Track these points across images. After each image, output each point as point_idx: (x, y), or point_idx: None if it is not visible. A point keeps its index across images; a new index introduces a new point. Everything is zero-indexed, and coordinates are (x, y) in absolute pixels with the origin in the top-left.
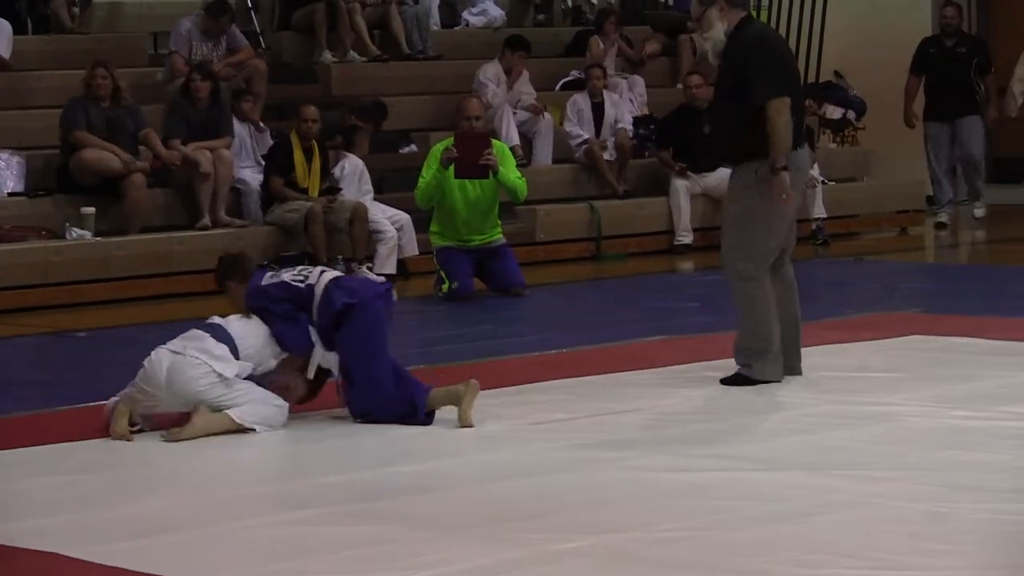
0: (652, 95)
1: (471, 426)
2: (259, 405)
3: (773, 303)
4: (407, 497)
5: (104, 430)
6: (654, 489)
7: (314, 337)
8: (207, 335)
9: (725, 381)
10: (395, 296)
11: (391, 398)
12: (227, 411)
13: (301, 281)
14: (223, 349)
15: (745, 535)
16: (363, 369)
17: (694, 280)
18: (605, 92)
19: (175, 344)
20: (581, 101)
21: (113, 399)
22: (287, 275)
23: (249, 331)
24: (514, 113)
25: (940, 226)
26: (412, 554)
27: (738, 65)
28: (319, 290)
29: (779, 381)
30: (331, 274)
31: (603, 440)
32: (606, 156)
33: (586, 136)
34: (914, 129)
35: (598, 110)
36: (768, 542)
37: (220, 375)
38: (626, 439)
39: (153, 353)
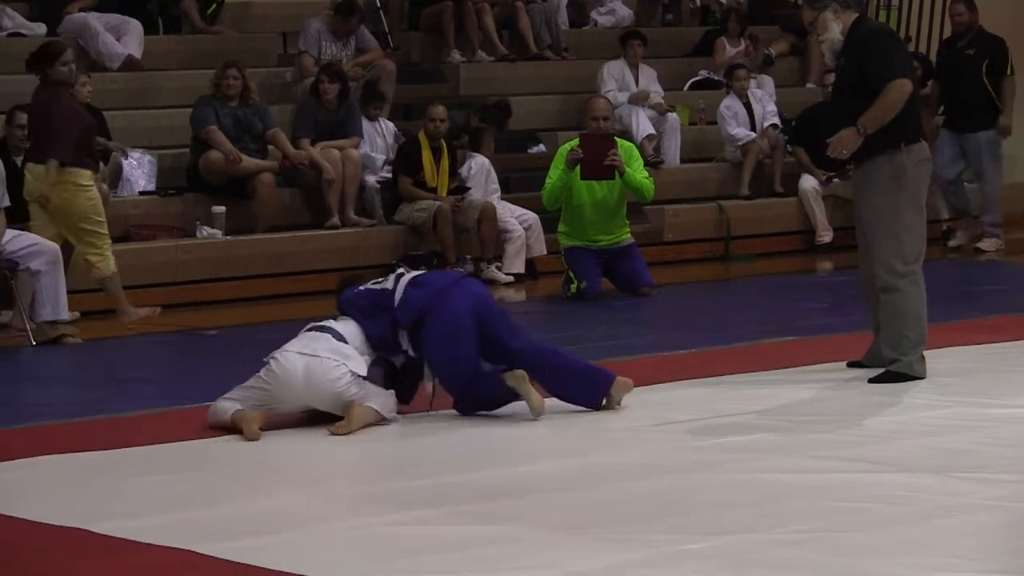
0: (781, 95)
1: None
2: (385, 397)
3: (925, 300)
4: (527, 497)
5: (220, 430)
6: (778, 490)
7: (399, 337)
8: (328, 336)
9: (874, 380)
10: (476, 279)
11: (473, 378)
12: (370, 405)
13: (378, 283)
14: (349, 348)
15: (869, 538)
16: (441, 357)
17: (823, 281)
18: (749, 91)
19: (298, 346)
20: (733, 103)
21: (227, 404)
22: (369, 283)
23: (349, 330)
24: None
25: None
26: (532, 554)
27: (861, 57)
28: (399, 293)
29: (925, 378)
30: (408, 276)
31: (728, 441)
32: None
33: (752, 136)
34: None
35: (747, 109)
36: (892, 545)
37: (355, 374)
38: (751, 440)
39: (280, 356)
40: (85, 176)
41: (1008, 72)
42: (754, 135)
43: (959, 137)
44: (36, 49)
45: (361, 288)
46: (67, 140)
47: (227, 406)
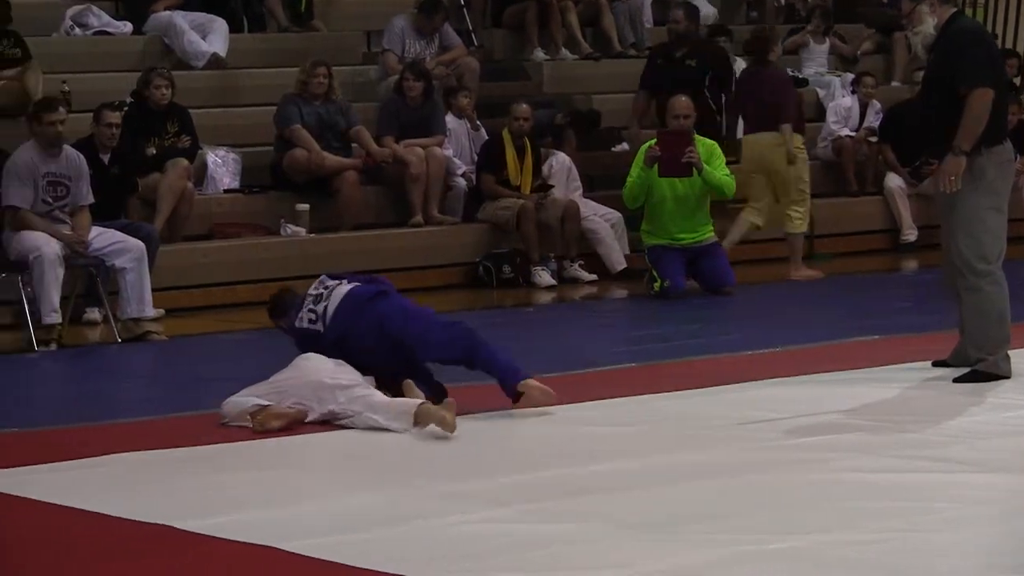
0: None
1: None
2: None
3: (1007, 299)
4: (599, 495)
5: (302, 427)
6: (859, 490)
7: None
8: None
9: (958, 380)
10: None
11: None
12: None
13: (315, 320)
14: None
15: (945, 538)
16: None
17: (907, 279)
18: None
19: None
20: (854, 106)
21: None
22: (305, 312)
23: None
24: None
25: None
26: (601, 552)
27: (950, 56)
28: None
29: (1010, 377)
30: (333, 304)
31: (811, 441)
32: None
33: (852, 134)
34: None
35: (862, 110)
36: (973, 546)
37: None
38: (834, 440)
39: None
40: (800, 140)
41: (732, 87)
42: (854, 134)
43: None
44: (750, 38)
45: (297, 327)
46: (793, 110)
47: (244, 400)
